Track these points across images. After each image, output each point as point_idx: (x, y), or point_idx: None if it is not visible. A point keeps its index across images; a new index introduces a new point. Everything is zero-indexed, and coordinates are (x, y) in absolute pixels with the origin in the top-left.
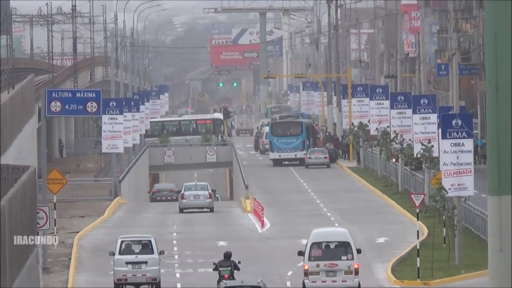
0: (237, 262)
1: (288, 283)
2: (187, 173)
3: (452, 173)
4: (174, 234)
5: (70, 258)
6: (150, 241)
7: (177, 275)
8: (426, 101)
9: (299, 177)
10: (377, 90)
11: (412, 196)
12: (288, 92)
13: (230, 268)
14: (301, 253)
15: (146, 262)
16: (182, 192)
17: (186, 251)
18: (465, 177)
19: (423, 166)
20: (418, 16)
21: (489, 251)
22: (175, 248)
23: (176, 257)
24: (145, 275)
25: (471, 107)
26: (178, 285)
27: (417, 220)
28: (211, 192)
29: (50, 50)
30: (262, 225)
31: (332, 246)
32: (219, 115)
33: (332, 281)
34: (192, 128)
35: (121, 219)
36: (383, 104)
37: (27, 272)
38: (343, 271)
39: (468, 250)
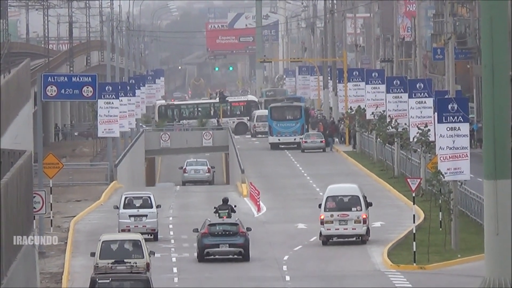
0: (233, 206)
1: (284, 267)
2: (183, 157)
3: (448, 157)
4: (170, 218)
5: (66, 242)
6: (149, 197)
7: (173, 259)
8: (422, 85)
9: (295, 161)
10: (373, 74)
11: (408, 180)
12: (284, 76)
13: (227, 210)
14: (320, 206)
15: (146, 215)
16: (184, 167)
17: (182, 235)
18: (461, 161)
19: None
20: (414, 0)
21: (485, 235)
22: (171, 233)
23: (172, 241)
24: (145, 226)
25: (467, 91)
26: (174, 269)
27: (413, 204)
28: (209, 167)
29: (46, 34)
30: (258, 209)
31: (344, 199)
32: (253, 97)
33: (344, 229)
34: (227, 110)
35: (117, 203)
36: (379, 88)
37: (23, 256)
38: (353, 220)
39: (464, 234)
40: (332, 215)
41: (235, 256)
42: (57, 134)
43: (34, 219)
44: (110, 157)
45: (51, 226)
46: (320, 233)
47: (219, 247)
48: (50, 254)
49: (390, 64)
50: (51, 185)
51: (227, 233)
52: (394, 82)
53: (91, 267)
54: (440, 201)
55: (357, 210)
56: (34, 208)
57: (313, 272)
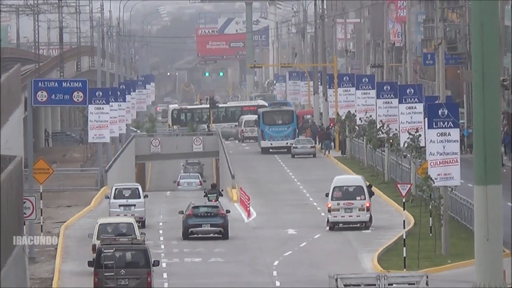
0: (220, 190)
1: (275, 273)
2: (173, 163)
3: (438, 163)
4: (160, 223)
5: (57, 248)
6: (137, 188)
7: (163, 264)
8: (412, 91)
9: (285, 166)
10: (363, 80)
11: (398, 185)
12: (274, 81)
13: (216, 194)
14: (327, 195)
15: (134, 205)
16: (178, 180)
17: (172, 241)
18: (451, 167)
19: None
20: (404, 5)
21: (476, 240)
22: (161, 238)
23: (162, 246)
24: (134, 214)
25: (457, 97)
26: (164, 274)
27: (404, 209)
28: (201, 180)
29: (36, 39)
30: (249, 215)
31: (349, 189)
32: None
33: (349, 216)
34: (238, 114)
35: (108, 209)
36: (369, 93)
37: (13, 261)
38: (357, 208)
39: (455, 239)
40: (338, 204)
41: (216, 235)
42: (47, 140)
43: (24, 224)
44: (100, 162)
45: (41, 231)
46: (328, 220)
47: (201, 227)
48: (40, 259)
49: (381, 69)
50: (41, 191)
51: (208, 214)
52: (385, 88)
53: (81, 273)
54: (430, 207)
55: (361, 199)
56: (24, 213)
57: (303, 278)
